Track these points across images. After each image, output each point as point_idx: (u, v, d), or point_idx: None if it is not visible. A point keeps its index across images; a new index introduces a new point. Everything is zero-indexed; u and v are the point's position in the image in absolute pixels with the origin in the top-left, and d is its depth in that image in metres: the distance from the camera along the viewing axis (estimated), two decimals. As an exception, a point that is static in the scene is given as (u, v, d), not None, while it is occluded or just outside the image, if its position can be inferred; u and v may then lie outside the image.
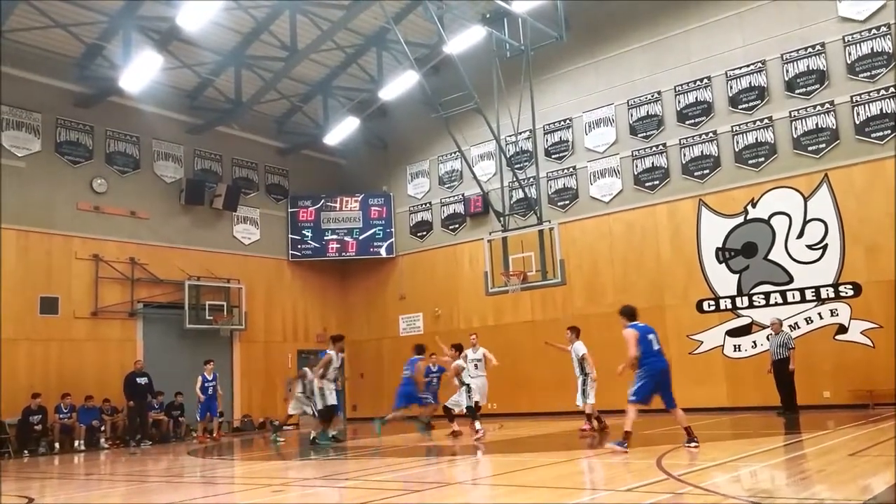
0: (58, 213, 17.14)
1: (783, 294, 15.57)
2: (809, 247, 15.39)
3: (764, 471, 7.36)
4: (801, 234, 15.52)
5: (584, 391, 12.55)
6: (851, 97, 15.11)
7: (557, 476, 7.97)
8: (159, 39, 16.57)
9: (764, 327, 15.26)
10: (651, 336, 9.51)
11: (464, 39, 16.99)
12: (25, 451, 15.10)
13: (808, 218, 15.45)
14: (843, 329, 14.83)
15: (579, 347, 12.67)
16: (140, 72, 16.44)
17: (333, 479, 8.89)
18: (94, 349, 17.22)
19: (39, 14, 15.81)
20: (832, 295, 15.01)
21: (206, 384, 16.36)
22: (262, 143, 21.74)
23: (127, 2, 16.14)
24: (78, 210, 17.54)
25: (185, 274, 18.97)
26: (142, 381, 16.67)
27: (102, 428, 16.38)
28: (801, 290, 15.36)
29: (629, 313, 9.83)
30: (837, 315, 14.92)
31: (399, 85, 19.15)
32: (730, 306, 16.25)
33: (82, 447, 15.75)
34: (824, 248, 15.22)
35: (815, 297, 15.20)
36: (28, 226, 16.56)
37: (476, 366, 13.53)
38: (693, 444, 9.05)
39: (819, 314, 15.14)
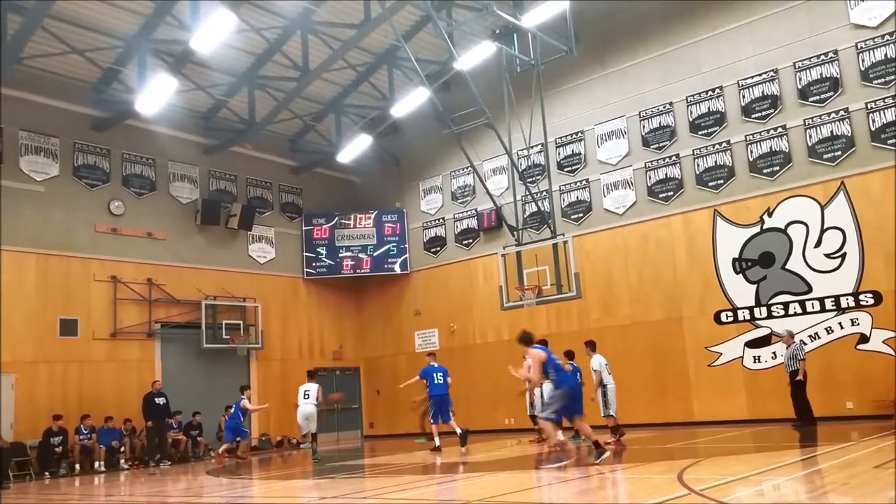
0: (76, 235, 17.34)
1: (802, 304, 15.41)
2: (828, 255, 15.23)
3: (787, 484, 7.26)
4: (818, 243, 15.37)
5: (605, 402, 12.86)
6: (866, 104, 14.99)
7: (578, 492, 7.90)
8: (173, 63, 16.80)
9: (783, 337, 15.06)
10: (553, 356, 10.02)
11: (474, 55, 17.07)
12: (46, 473, 15.17)
13: (825, 226, 15.31)
14: (864, 339, 14.63)
15: (594, 363, 13.04)
16: (155, 95, 16.67)
17: (350, 497, 8.86)
18: (113, 370, 17.33)
19: (56, 41, 16.07)
20: (852, 304, 14.83)
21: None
22: (276, 162, 21.92)
23: (141, 26, 16.40)
24: (96, 232, 17.73)
25: (201, 293, 19.09)
26: (160, 401, 16.72)
27: (122, 448, 16.44)
28: (821, 300, 15.18)
29: (527, 339, 10.15)
30: (858, 324, 14.74)
31: (410, 102, 19.27)
32: (748, 317, 16.09)
33: (102, 468, 15.81)
34: (843, 256, 15.06)
35: (835, 307, 15.03)
36: (47, 249, 16.76)
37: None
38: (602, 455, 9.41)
39: (839, 324, 14.96)
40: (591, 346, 13.50)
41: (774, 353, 15.54)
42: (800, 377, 13.56)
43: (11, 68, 15.64)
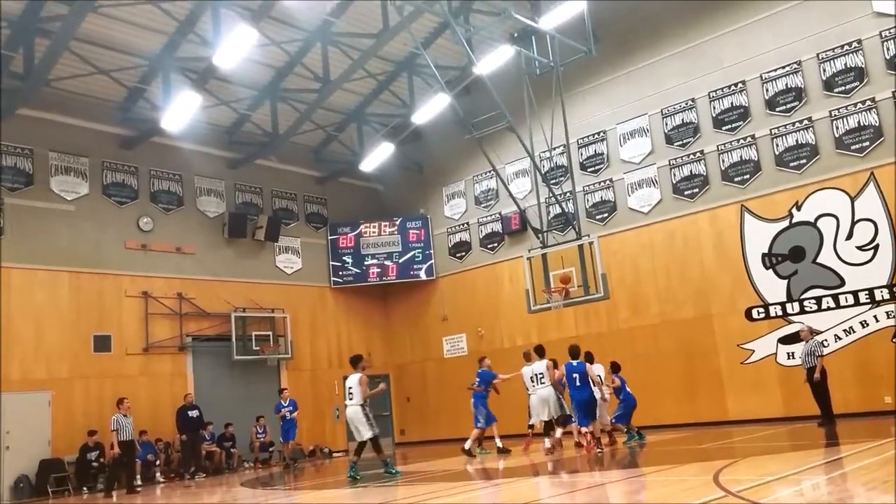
0: (107, 252, 17.63)
1: (835, 298, 15.15)
2: (860, 248, 14.97)
3: (827, 483, 7.13)
4: (850, 236, 15.11)
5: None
6: (893, 93, 14.73)
7: (613, 495, 7.84)
8: (197, 79, 17.02)
9: (817, 333, 14.79)
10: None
11: (493, 59, 17.07)
12: (84, 488, 15.39)
13: (856, 218, 15.05)
14: (900, 331, 14.35)
15: (597, 370, 13.09)
16: (180, 111, 16.91)
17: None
18: (147, 384, 17.55)
19: (83, 62, 16.38)
20: (887, 296, 14.55)
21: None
22: (300, 173, 22.10)
23: (165, 44, 16.65)
24: (126, 249, 18.01)
25: (230, 306, 19.29)
26: (192, 414, 16.89)
27: (158, 462, 16.64)
28: (854, 293, 14.92)
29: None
30: (894, 317, 14.45)
31: (431, 108, 19.33)
32: (780, 313, 15.86)
33: (139, 482, 15.99)
34: (875, 248, 14.79)
35: (869, 300, 14.76)
36: (79, 267, 17.05)
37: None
38: None
39: (874, 317, 14.68)
40: (589, 357, 13.13)
41: (808, 348, 15.28)
42: (817, 375, 13.23)
43: (40, 91, 15.99)
